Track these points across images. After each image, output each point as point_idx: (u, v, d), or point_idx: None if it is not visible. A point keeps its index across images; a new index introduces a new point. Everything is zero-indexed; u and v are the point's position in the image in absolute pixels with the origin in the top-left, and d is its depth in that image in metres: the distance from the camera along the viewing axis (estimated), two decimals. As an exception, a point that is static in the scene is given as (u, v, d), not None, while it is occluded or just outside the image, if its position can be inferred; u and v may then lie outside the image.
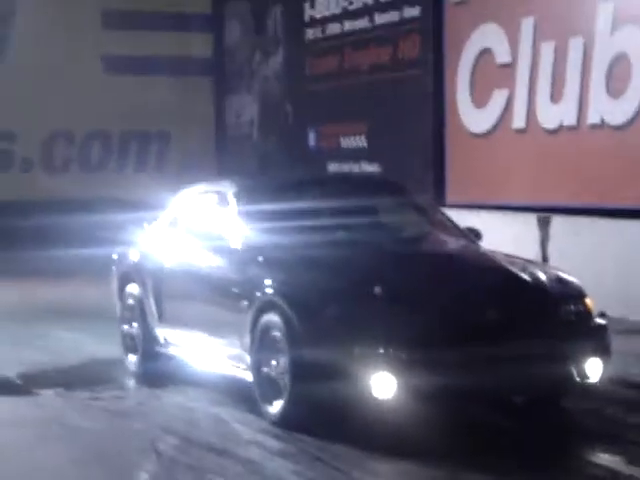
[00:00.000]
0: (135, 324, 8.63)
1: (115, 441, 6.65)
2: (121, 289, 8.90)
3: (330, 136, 15.18)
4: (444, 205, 11.72)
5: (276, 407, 6.80)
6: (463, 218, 9.07)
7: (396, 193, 8.72)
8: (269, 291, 7.02)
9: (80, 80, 17.11)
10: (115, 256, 9.14)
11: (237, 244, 7.63)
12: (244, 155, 17.25)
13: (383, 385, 6.43)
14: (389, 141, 13.98)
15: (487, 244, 8.16)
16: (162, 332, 8.34)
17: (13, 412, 7.25)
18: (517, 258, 7.64)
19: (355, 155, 14.58)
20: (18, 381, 8.04)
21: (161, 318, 8.36)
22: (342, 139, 14.91)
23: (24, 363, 8.51)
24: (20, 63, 16.95)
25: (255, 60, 17.08)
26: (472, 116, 12.72)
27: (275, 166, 16.16)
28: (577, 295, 7.04)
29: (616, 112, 10.70)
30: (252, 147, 17.24)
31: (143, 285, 8.56)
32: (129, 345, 8.69)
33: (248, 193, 8.18)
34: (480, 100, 12.56)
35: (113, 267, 9.12)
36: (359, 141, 14.59)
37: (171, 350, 8.25)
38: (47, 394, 7.67)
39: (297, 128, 15.98)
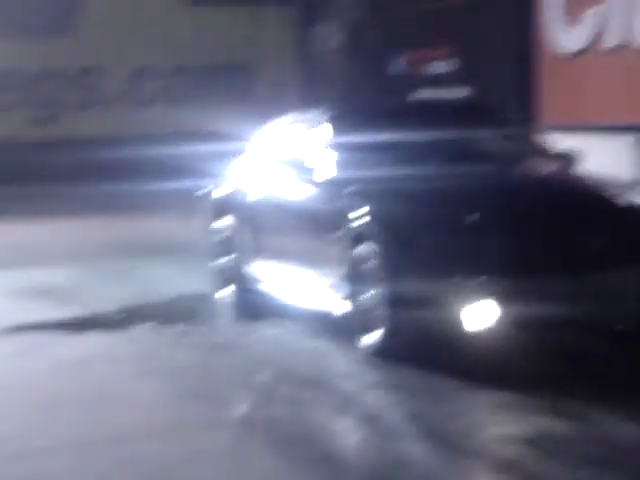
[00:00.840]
0: (228, 258, 8.58)
1: (211, 375, 6.62)
2: (214, 222, 8.85)
3: (418, 61, 14.90)
4: (538, 128, 11.43)
5: (372, 338, 6.70)
6: (558, 141, 8.81)
7: (489, 118, 8.47)
8: (364, 221, 6.88)
9: (164, 14, 17.02)
10: (207, 190, 9.07)
11: (330, 174, 7.50)
12: (330, 84, 17.04)
13: (481, 315, 6.29)
14: (480, 64, 13.66)
15: (584, 167, 7.91)
16: (256, 265, 8.27)
17: (108, 347, 7.27)
18: (614, 181, 7.38)
19: (445, 80, 14.28)
20: (113, 317, 8.05)
21: (255, 251, 8.29)
22: (431, 64, 14.62)
23: (117, 299, 8.53)
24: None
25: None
26: (565, 35, 12.34)
27: (362, 94, 15.93)
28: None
29: None
30: (338, 76, 17.01)
31: (236, 218, 8.49)
32: (223, 279, 8.65)
33: (338, 122, 8.02)
34: (572, 18, 12.17)
35: (205, 201, 9.06)
36: (448, 65, 14.29)
37: (265, 283, 8.18)
38: (142, 329, 7.67)
39: (384, 54, 15.70)
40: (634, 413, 5.56)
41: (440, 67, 14.50)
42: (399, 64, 15.31)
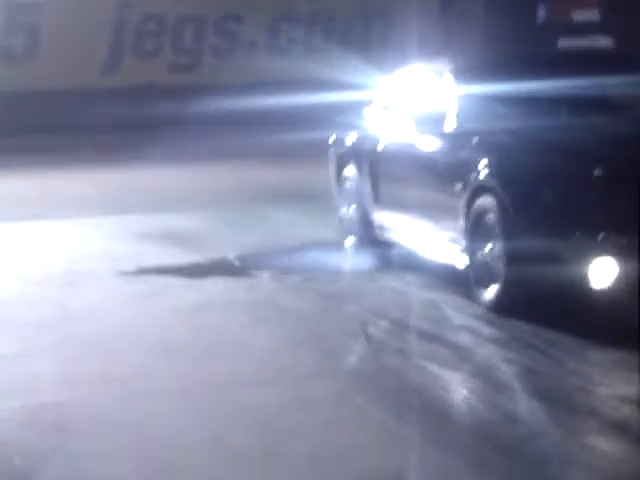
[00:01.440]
0: (352, 207, 8.56)
1: (326, 323, 6.64)
2: (338, 172, 8.83)
3: (561, 9, 14.51)
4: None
5: (490, 292, 6.60)
6: None
7: (629, 69, 8.17)
8: (484, 173, 6.77)
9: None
10: (333, 139, 9.05)
11: (453, 125, 7.39)
12: (470, 32, 16.75)
13: (602, 272, 6.13)
14: (624, 13, 13.22)
15: None
16: (378, 215, 8.23)
17: (227, 293, 7.34)
18: None
19: (588, 29, 13.88)
20: (235, 263, 8.13)
21: (377, 201, 8.25)
22: (574, 12, 14.22)
23: (241, 245, 8.59)
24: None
25: None
26: None
27: (502, 43, 15.61)
28: None
29: None
30: (478, 25, 16.71)
31: (360, 168, 8.46)
32: (346, 228, 8.64)
33: (466, 72, 7.88)
34: None
35: (330, 150, 9.05)
36: (592, 14, 13.88)
37: (387, 233, 8.14)
38: (262, 276, 7.72)
39: (526, 2, 15.34)
40: None
41: (584, 15, 14.08)
42: (542, 11, 14.94)
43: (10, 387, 5.56)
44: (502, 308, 6.48)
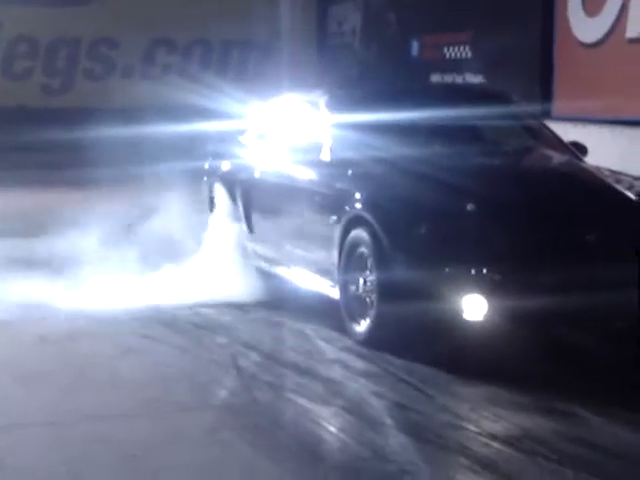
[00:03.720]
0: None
1: (196, 355, 6.51)
2: (211, 200, 8.74)
3: (433, 46, 14.70)
4: (550, 118, 11.23)
5: (362, 326, 6.58)
6: (570, 131, 8.66)
7: (498, 104, 8.28)
8: (358, 206, 6.76)
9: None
10: (206, 166, 8.96)
11: (327, 156, 7.37)
12: (345, 65, 16.87)
13: (474, 307, 6.15)
14: (494, 51, 13.44)
15: (594, 159, 7.75)
16: (251, 244, 8.16)
17: (95, 324, 7.15)
18: (624, 175, 7.21)
19: (459, 66, 14.08)
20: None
21: (250, 230, 8.18)
22: (445, 49, 14.41)
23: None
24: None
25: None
26: (583, 24, 12.11)
27: (376, 76, 15.77)
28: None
29: None
30: (353, 57, 16.84)
31: (233, 197, 8.37)
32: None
33: (341, 102, 7.91)
34: (592, 8, 11.94)
35: (204, 178, 8.95)
36: (463, 51, 14.08)
37: (259, 263, 8.07)
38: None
39: (400, 38, 15.51)
40: (622, 413, 5.43)
41: (456, 52, 14.29)
42: (415, 47, 15.12)
43: None
44: (374, 342, 6.46)
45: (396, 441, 5.15)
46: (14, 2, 16.33)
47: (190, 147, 10.29)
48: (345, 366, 6.23)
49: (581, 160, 7.67)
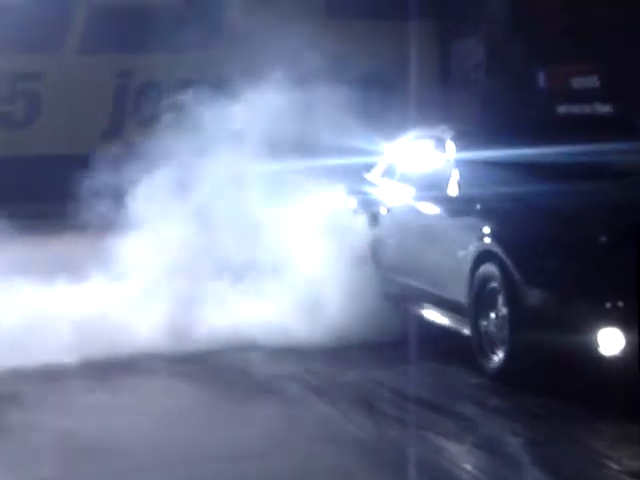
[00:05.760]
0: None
1: (328, 392, 6.51)
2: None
3: (560, 77, 14.52)
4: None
5: (494, 361, 6.49)
6: None
7: (628, 135, 8.14)
8: (487, 240, 6.69)
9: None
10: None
11: (455, 191, 7.33)
12: (470, 101, 16.79)
13: (610, 341, 6.01)
14: (624, 80, 13.22)
15: None
16: (378, 280, 8.13)
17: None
18: None
19: (587, 96, 13.87)
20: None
21: (378, 266, 8.16)
22: (573, 79, 14.23)
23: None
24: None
25: (479, 1, 16.54)
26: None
27: (502, 110, 15.64)
28: None
29: None
30: (478, 92, 16.75)
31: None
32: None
33: (467, 138, 7.84)
34: None
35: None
36: (592, 81, 13.88)
37: (387, 299, 8.03)
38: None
39: (525, 70, 15.38)
40: None
41: (584, 82, 14.10)
42: (541, 79, 14.97)
43: None
44: (506, 378, 6.36)
45: (534, 478, 5.06)
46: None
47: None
48: (478, 402, 6.16)
49: None
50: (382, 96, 17.76)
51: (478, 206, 7.04)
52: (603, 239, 6.26)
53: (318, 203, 8.65)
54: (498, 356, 6.45)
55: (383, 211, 8.15)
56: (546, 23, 14.82)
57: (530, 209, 6.86)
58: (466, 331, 6.84)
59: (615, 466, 5.14)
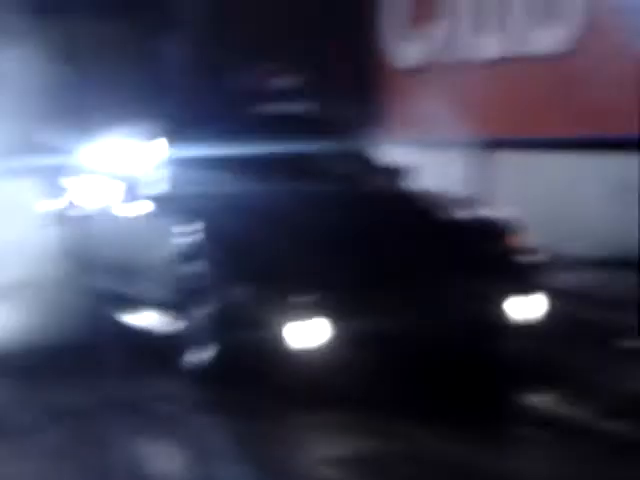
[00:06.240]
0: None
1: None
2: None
3: (260, 76, 14.76)
4: (376, 143, 11.39)
5: (201, 358, 6.49)
6: (400, 155, 8.80)
7: (327, 132, 8.39)
8: (192, 239, 6.70)
9: None
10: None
11: (160, 190, 7.32)
12: (174, 101, 16.76)
13: (312, 333, 6.15)
14: (322, 78, 13.60)
15: (424, 181, 7.90)
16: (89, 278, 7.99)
17: None
18: (442, 196, 7.34)
19: (286, 94, 14.16)
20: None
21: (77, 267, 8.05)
22: (273, 79, 14.50)
23: None
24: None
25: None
26: (404, 50, 12.41)
27: (203, 111, 15.69)
28: (501, 232, 6.80)
29: (550, 41, 10.48)
30: (182, 92, 16.76)
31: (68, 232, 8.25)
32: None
33: (171, 136, 7.90)
34: (411, 34, 12.24)
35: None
36: (290, 80, 14.19)
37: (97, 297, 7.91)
38: None
39: (227, 69, 15.52)
40: (461, 432, 5.47)
41: (283, 81, 14.39)
42: (241, 79, 15.16)
43: None
44: (212, 374, 6.37)
45: (237, 470, 5.06)
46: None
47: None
48: (179, 400, 6.16)
49: (407, 183, 7.77)
50: (82, 93, 17.44)
51: (184, 205, 7.06)
52: (298, 237, 6.42)
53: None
54: (202, 354, 6.47)
55: (80, 212, 8.03)
56: (244, 23, 15.04)
57: (233, 207, 6.94)
58: (171, 331, 6.82)
59: (315, 455, 5.29)
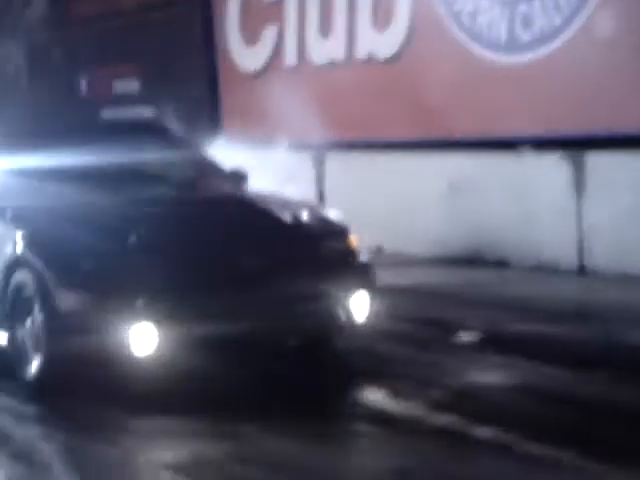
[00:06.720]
0: None
1: None
2: None
3: (102, 81, 14.62)
4: (219, 145, 11.42)
5: (32, 369, 6.40)
6: (238, 158, 8.85)
7: (159, 137, 8.35)
8: (20, 247, 6.59)
9: None
10: None
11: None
12: (14, 106, 16.45)
13: (142, 338, 6.14)
14: (163, 83, 13.56)
15: (262, 183, 7.98)
16: None
17: None
18: (281, 199, 7.43)
19: (129, 99, 14.08)
20: None
21: None
22: (115, 83, 14.38)
23: None
24: None
25: (16, 4, 16.25)
26: (244, 54, 12.45)
27: (44, 116, 15.46)
28: (339, 233, 6.92)
29: (383, 46, 10.67)
30: (22, 97, 16.46)
31: None
32: None
33: (5, 144, 7.70)
34: (250, 38, 12.30)
35: None
36: (132, 85, 14.11)
37: None
38: None
39: (67, 75, 15.33)
40: (294, 430, 5.53)
41: (125, 86, 14.27)
42: (84, 84, 14.97)
43: None
44: (44, 385, 6.30)
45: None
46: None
47: None
48: (14, 413, 6.06)
49: (241, 186, 7.81)
50: None
51: (10, 214, 6.92)
52: (132, 240, 6.39)
53: None
54: (35, 364, 6.38)
55: None
56: (84, 27, 14.87)
57: (63, 215, 6.84)
58: (2, 342, 6.71)
59: (152, 460, 5.28)
